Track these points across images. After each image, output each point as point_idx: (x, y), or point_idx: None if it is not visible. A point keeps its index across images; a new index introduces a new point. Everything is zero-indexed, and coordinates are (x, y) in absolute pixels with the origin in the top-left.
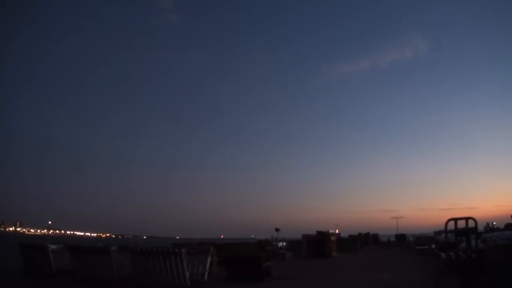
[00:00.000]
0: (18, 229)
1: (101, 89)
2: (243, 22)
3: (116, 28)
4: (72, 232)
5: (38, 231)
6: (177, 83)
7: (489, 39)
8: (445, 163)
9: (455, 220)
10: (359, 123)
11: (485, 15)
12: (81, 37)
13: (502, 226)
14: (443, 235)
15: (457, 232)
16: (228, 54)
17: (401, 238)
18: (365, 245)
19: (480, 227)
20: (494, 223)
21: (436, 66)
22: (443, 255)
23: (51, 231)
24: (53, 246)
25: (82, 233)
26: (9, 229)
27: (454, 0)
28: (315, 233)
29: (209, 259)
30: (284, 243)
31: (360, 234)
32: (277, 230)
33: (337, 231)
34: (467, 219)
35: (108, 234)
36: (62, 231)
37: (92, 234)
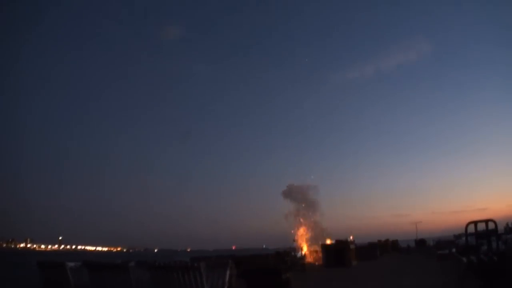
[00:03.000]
0: (29, 245)
1: (112, 104)
2: (250, 35)
3: (123, 43)
4: (83, 247)
5: (49, 246)
6: (188, 97)
7: (494, 41)
8: (453, 164)
9: (475, 223)
10: (366, 129)
11: (490, 16)
12: (89, 53)
13: None
14: (463, 238)
15: (478, 235)
16: (236, 68)
17: (421, 243)
18: (385, 252)
19: (499, 228)
20: None
21: (442, 69)
22: (464, 259)
23: (62, 246)
24: (71, 264)
25: (93, 248)
26: (19, 246)
27: (458, 2)
28: (332, 241)
29: (228, 272)
30: (303, 253)
31: (379, 241)
32: (295, 241)
33: (351, 238)
34: (487, 221)
35: (119, 248)
36: (73, 246)
37: (103, 249)
